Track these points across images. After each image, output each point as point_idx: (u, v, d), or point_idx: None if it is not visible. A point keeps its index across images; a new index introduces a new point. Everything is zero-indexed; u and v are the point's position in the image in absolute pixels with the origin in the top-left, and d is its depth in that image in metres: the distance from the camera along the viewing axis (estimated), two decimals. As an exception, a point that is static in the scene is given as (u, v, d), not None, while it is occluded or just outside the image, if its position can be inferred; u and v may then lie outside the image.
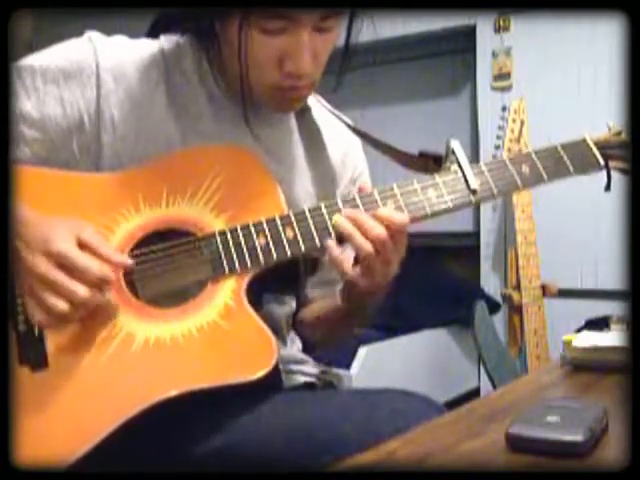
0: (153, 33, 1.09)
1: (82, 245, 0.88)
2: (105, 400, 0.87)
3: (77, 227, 0.89)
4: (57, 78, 1.00)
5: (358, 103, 3.31)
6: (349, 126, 1.17)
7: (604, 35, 2.79)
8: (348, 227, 0.94)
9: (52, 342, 0.90)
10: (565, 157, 1.03)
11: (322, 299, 1.17)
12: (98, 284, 0.86)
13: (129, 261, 0.92)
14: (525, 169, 1.01)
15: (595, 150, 1.04)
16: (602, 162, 1.04)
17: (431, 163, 1.06)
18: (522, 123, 2.79)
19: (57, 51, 1.03)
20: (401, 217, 0.94)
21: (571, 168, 1.03)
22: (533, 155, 1.03)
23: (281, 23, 0.93)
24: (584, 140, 1.05)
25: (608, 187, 1.06)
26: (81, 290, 0.85)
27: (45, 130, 1.00)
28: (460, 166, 1.01)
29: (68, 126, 1.00)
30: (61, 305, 0.85)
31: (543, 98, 2.94)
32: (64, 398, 0.88)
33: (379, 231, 0.92)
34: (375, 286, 0.96)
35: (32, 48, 1.01)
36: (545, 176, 1.02)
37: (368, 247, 0.92)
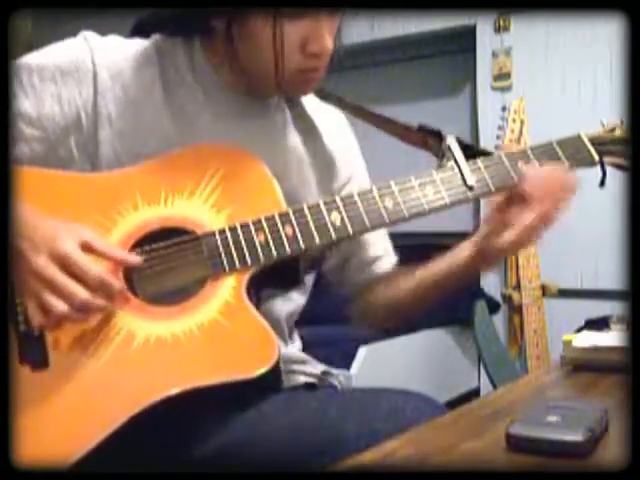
0: (141, 32, 1.09)
1: (86, 248, 0.88)
2: (106, 399, 0.87)
3: (79, 229, 0.90)
4: (54, 76, 1.00)
5: (358, 103, 3.31)
6: (341, 101, 1.17)
7: (604, 35, 2.79)
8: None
9: (52, 341, 0.90)
10: (560, 153, 1.04)
11: (391, 276, 1.17)
12: (99, 287, 0.86)
13: (139, 259, 0.93)
14: (521, 165, 1.02)
15: (590, 146, 1.06)
16: (597, 158, 1.06)
17: (430, 138, 1.07)
18: (522, 123, 2.79)
19: (54, 50, 1.04)
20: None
21: (566, 164, 1.04)
22: (529, 151, 1.04)
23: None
24: (579, 136, 1.07)
25: (602, 183, 1.07)
26: (81, 292, 0.85)
27: (43, 128, 1.00)
28: (456, 162, 1.01)
29: (66, 124, 1.00)
30: (61, 306, 0.84)
31: (543, 98, 2.94)
32: (65, 397, 0.88)
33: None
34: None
35: (32, 48, 1.01)
36: None
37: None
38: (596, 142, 1.06)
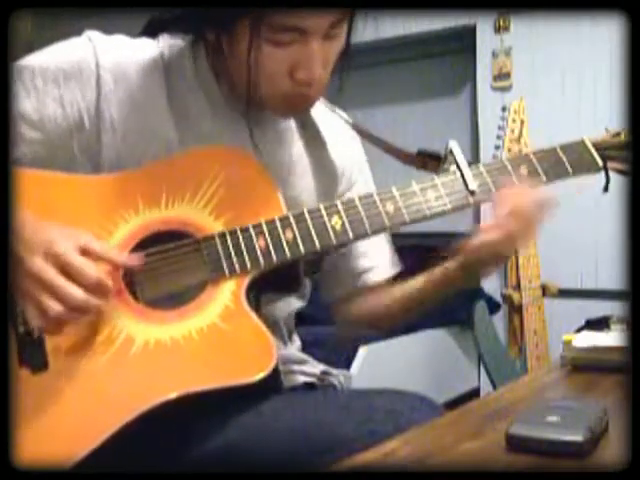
0: (150, 32, 1.09)
1: (84, 251, 0.88)
2: (105, 402, 0.87)
3: (76, 233, 0.89)
4: (57, 78, 1.00)
5: (358, 103, 3.31)
6: (348, 123, 1.17)
7: (604, 35, 2.79)
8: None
9: (52, 344, 0.90)
10: (564, 158, 1.04)
11: (371, 287, 1.17)
12: (95, 288, 0.86)
13: (134, 258, 0.92)
14: (524, 170, 1.02)
15: (593, 151, 1.05)
16: (600, 163, 1.05)
17: (429, 161, 1.06)
18: (522, 123, 2.79)
19: (57, 51, 1.03)
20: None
21: (570, 170, 1.03)
22: (532, 156, 1.03)
23: (292, 35, 0.93)
24: (582, 141, 1.06)
25: (606, 188, 1.06)
26: (76, 293, 0.84)
27: (45, 130, 1.00)
28: (459, 167, 1.01)
29: (68, 126, 1.00)
30: (56, 307, 0.84)
31: (543, 98, 2.94)
32: (64, 400, 0.87)
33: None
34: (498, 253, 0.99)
35: (32, 48, 1.01)
36: (544, 177, 1.02)
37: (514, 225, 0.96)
38: (600, 147, 1.06)
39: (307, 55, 0.94)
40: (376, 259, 1.17)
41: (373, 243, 1.15)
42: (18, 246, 0.86)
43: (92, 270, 0.86)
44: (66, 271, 0.85)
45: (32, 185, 0.96)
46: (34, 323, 0.87)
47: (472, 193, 1.00)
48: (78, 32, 1.05)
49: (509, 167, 1.02)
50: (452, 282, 1.07)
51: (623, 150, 1.05)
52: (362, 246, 1.16)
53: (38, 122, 0.99)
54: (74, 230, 0.90)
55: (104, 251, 0.90)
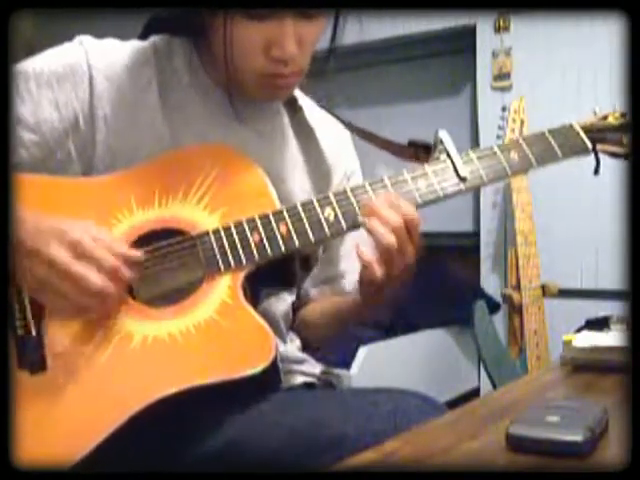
0: (144, 36, 1.10)
1: (94, 240, 0.89)
2: (105, 401, 0.88)
3: (85, 223, 0.91)
4: (50, 81, 1.01)
5: (358, 103, 3.31)
6: (339, 119, 1.17)
7: (604, 35, 2.79)
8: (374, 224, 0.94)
9: (51, 345, 0.90)
10: (553, 142, 1.05)
11: (324, 297, 1.17)
12: (113, 274, 0.87)
13: (139, 253, 0.93)
14: (514, 155, 1.03)
15: (582, 134, 1.07)
16: (590, 146, 1.06)
17: (421, 152, 1.07)
18: (522, 123, 2.79)
19: (49, 55, 1.04)
20: (410, 207, 0.95)
21: (559, 153, 1.05)
22: (521, 141, 1.05)
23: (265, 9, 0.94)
24: (571, 125, 1.08)
25: (597, 171, 1.08)
26: (95, 278, 0.86)
27: (42, 133, 1.01)
28: (449, 155, 1.02)
29: (64, 128, 1.01)
30: (75, 293, 0.86)
31: (543, 98, 2.94)
32: (64, 400, 0.88)
33: (395, 219, 0.93)
34: (391, 279, 0.96)
35: (32, 48, 1.01)
36: (534, 161, 1.04)
37: (390, 238, 0.92)
38: (589, 130, 1.07)
39: (281, 31, 0.95)
40: (346, 267, 1.18)
41: (347, 250, 1.16)
42: (26, 241, 0.87)
43: (109, 257, 0.87)
44: (83, 257, 0.86)
45: (28, 190, 0.96)
46: (54, 311, 0.87)
47: (463, 180, 1.00)
48: (78, 32, 1.06)
49: (499, 153, 1.03)
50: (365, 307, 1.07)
51: (612, 132, 1.07)
52: (336, 251, 1.17)
53: (35, 125, 1.00)
54: (81, 221, 0.91)
55: (113, 242, 0.90)
